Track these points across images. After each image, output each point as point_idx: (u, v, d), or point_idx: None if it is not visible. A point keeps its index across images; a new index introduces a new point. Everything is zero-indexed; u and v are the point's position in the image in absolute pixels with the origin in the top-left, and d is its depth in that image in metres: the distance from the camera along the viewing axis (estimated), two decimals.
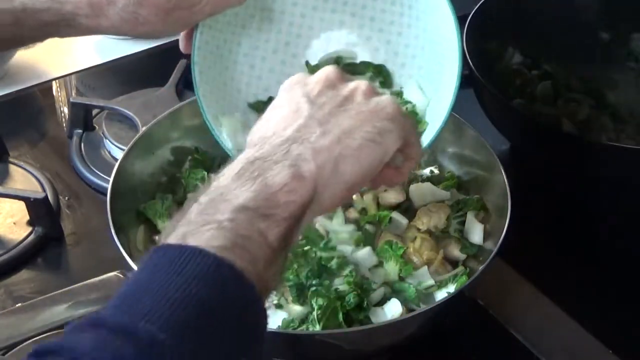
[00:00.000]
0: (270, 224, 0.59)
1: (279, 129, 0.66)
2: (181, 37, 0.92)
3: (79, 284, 0.95)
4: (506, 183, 0.91)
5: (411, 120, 0.73)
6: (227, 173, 0.62)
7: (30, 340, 0.87)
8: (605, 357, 0.91)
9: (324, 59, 0.93)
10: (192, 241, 0.57)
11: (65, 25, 0.87)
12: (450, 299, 0.82)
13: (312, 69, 0.91)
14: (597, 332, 0.93)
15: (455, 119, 1.01)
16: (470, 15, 1.12)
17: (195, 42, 0.90)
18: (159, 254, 0.57)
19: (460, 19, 1.14)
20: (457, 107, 1.03)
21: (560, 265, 1.01)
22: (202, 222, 0.58)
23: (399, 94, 0.91)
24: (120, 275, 0.91)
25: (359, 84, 0.70)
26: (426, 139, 0.85)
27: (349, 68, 0.92)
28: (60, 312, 0.91)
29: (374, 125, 0.66)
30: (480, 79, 1.03)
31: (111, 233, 0.88)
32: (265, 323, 0.58)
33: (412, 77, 0.92)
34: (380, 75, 0.93)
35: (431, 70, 0.91)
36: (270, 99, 0.79)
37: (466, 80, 1.11)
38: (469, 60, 1.05)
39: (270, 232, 0.59)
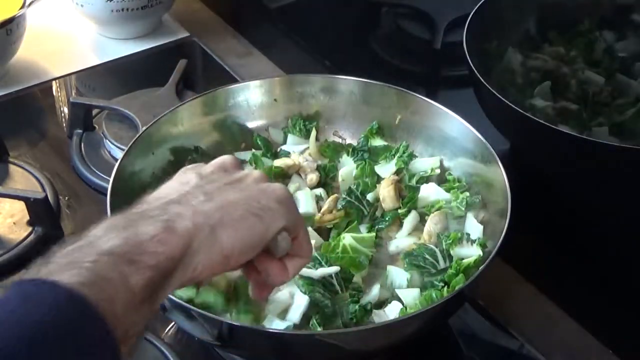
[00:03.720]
0: (134, 269, 0.58)
1: (163, 195, 0.67)
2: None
3: None
4: (506, 183, 0.91)
5: (299, 213, 0.72)
6: (101, 224, 0.62)
7: None
8: (605, 357, 0.91)
9: None
10: (51, 278, 0.56)
11: None
12: (450, 298, 0.82)
13: None
14: (597, 332, 0.93)
15: (455, 119, 1.01)
16: (471, 16, 1.12)
17: None
18: (14, 287, 0.55)
19: (461, 19, 1.15)
20: (457, 107, 1.04)
21: (560, 265, 1.01)
22: (64, 264, 0.57)
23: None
24: None
25: (253, 172, 0.72)
26: None
27: None
28: None
29: (259, 202, 0.67)
30: (480, 78, 1.03)
31: None
32: None
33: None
34: None
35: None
36: None
37: (466, 80, 1.12)
38: (469, 60, 1.05)
39: (133, 277, 0.58)
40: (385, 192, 0.98)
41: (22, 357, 0.51)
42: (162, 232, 0.61)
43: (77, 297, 0.54)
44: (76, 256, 0.58)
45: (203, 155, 1.04)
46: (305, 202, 0.98)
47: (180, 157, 1.04)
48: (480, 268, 0.84)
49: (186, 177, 0.70)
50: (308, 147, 1.07)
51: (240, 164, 0.75)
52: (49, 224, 1.05)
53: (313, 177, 1.02)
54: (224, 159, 0.74)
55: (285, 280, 0.73)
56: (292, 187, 1.01)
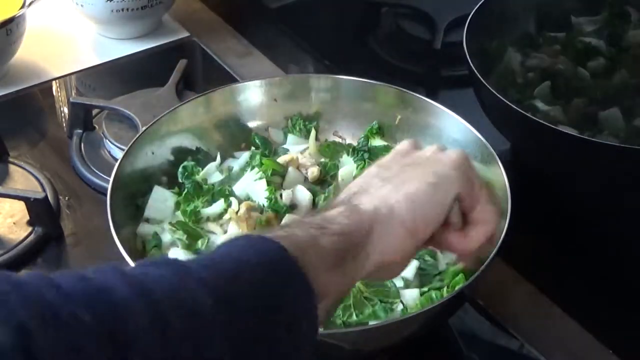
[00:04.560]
0: (320, 233, 0.62)
1: (346, 191, 0.71)
2: None
3: None
4: (507, 184, 0.91)
5: (481, 178, 0.72)
6: (294, 220, 0.71)
7: None
8: (605, 357, 0.91)
9: None
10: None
11: None
12: (450, 298, 0.82)
13: None
14: (597, 332, 0.93)
15: (455, 119, 1.01)
16: (471, 16, 1.12)
17: None
18: (233, 241, 0.62)
19: (461, 19, 1.15)
20: (457, 107, 1.04)
21: (560, 265, 1.01)
22: (260, 232, 0.65)
23: None
24: None
25: (430, 147, 0.74)
26: None
27: None
28: None
29: (434, 171, 0.69)
30: (480, 78, 1.03)
31: (111, 233, 0.88)
32: (313, 318, 0.59)
33: None
34: None
35: None
36: None
37: (466, 80, 1.11)
38: (469, 60, 1.05)
39: (322, 238, 0.62)
40: None
41: (216, 286, 0.54)
42: (345, 210, 0.66)
43: (272, 242, 0.59)
44: (270, 230, 0.65)
45: (205, 156, 1.04)
46: (302, 197, 0.98)
47: (180, 157, 1.04)
48: (480, 268, 0.84)
49: (367, 171, 0.73)
50: (308, 147, 1.07)
51: (420, 144, 0.76)
52: (49, 224, 1.05)
53: (314, 170, 1.02)
54: (403, 144, 0.76)
55: (471, 249, 0.73)
56: (289, 178, 1.01)
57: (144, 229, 0.97)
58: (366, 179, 0.71)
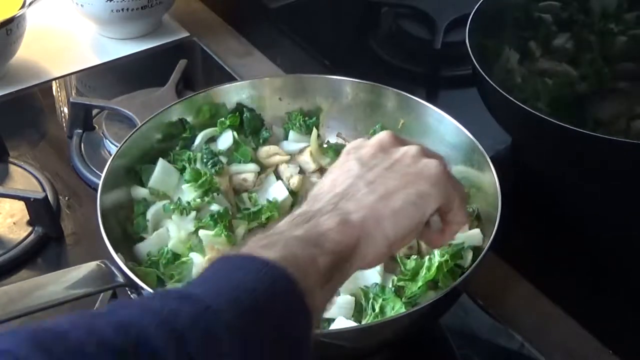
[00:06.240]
0: (319, 252, 0.65)
1: (330, 187, 0.73)
2: None
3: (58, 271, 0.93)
4: (497, 183, 0.91)
5: (457, 185, 0.77)
6: (283, 222, 0.69)
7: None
8: (605, 357, 0.91)
9: None
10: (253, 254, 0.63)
11: None
12: (446, 295, 0.82)
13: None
14: (597, 332, 0.93)
15: (456, 127, 1.00)
16: (473, 11, 1.12)
17: None
18: (220, 260, 0.63)
19: (461, 19, 1.15)
20: (457, 107, 1.04)
21: (560, 265, 1.01)
22: (259, 246, 0.63)
23: None
24: (102, 265, 0.90)
25: (410, 148, 0.76)
26: None
27: None
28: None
29: (416, 188, 0.72)
30: (483, 74, 1.03)
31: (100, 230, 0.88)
32: (308, 336, 0.61)
33: None
34: None
35: None
36: None
37: (467, 80, 1.11)
38: (472, 57, 1.05)
39: (320, 258, 0.64)
40: None
41: (233, 320, 0.56)
42: (339, 225, 0.68)
43: (279, 270, 0.61)
44: (268, 241, 0.64)
45: (190, 130, 1.05)
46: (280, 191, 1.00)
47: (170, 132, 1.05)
48: (473, 264, 0.85)
49: (348, 165, 0.75)
50: (309, 145, 1.06)
51: (398, 138, 0.78)
52: (49, 224, 1.05)
53: (295, 179, 1.03)
54: (382, 137, 0.78)
55: (444, 244, 0.82)
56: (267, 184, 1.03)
57: (137, 191, 0.99)
58: (350, 180, 0.73)
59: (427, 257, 0.89)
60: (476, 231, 0.92)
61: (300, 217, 0.69)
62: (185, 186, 0.98)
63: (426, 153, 0.76)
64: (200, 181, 0.97)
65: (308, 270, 0.63)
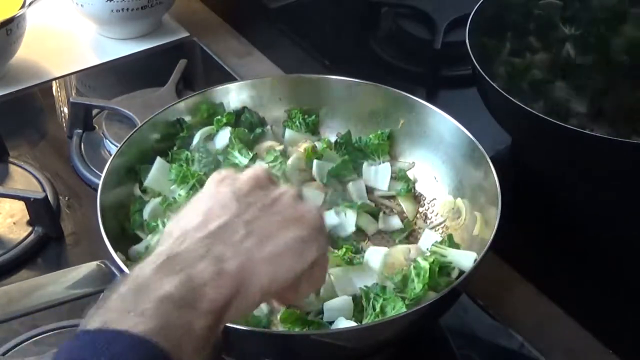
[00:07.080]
0: (196, 315, 0.60)
1: (201, 223, 0.67)
2: None
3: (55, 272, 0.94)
4: (497, 183, 0.91)
5: (328, 241, 0.73)
6: (147, 265, 0.62)
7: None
8: (605, 357, 0.91)
9: None
10: (114, 327, 0.57)
11: None
12: (446, 295, 0.82)
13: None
14: (597, 332, 0.93)
15: (457, 127, 1.00)
16: (473, 11, 1.12)
17: None
18: (78, 339, 0.57)
19: (461, 19, 1.15)
20: (457, 107, 1.04)
21: (560, 265, 1.01)
22: (123, 311, 0.58)
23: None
24: (102, 265, 0.90)
25: (288, 190, 0.71)
26: None
27: None
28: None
29: (297, 235, 0.68)
30: (483, 74, 1.03)
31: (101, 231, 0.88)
32: None
33: None
34: None
35: None
36: None
37: (467, 80, 1.11)
38: (472, 57, 1.05)
39: (196, 322, 0.60)
40: None
41: None
42: (215, 277, 0.62)
43: (150, 345, 0.56)
44: (132, 302, 0.59)
45: (188, 129, 1.05)
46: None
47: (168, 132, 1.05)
48: (473, 265, 0.85)
49: (222, 197, 0.69)
50: (305, 142, 1.07)
51: (272, 176, 0.75)
52: (49, 224, 1.05)
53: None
54: (257, 173, 0.72)
55: (296, 303, 0.75)
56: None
57: (139, 191, 1.00)
58: (226, 217, 0.67)
59: (411, 267, 0.88)
60: (471, 254, 0.89)
61: (169, 263, 0.62)
62: (173, 187, 0.99)
63: (302, 197, 0.72)
64: (183, 177, 0.98)
65: (183, 339, 0.59)
